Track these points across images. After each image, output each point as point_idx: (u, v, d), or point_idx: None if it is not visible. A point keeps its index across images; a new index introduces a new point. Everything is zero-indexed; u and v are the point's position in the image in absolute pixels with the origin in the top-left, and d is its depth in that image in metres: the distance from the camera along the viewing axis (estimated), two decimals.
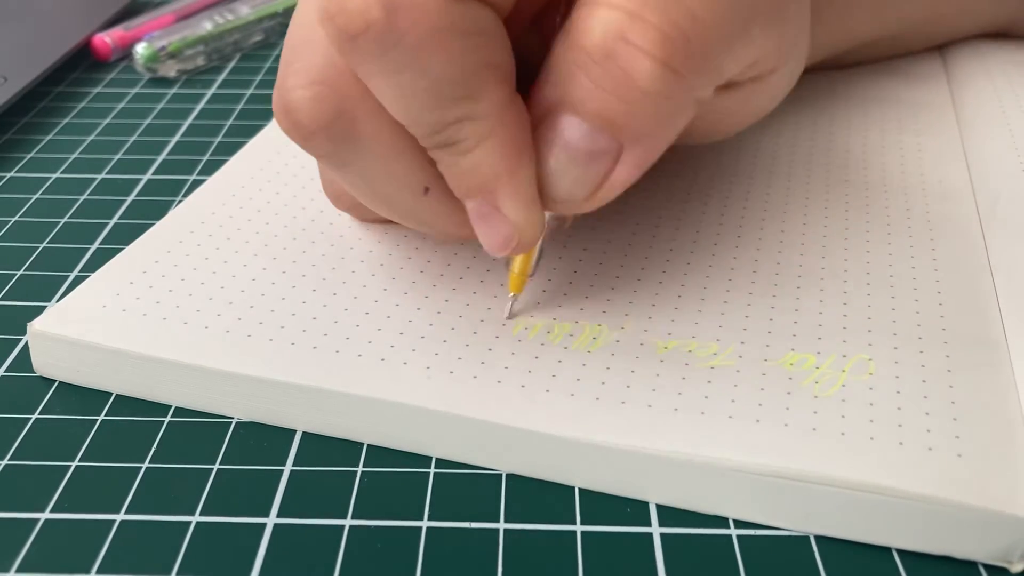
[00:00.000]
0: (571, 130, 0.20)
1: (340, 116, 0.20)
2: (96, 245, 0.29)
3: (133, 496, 0.21)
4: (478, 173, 0.20)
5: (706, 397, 0.21)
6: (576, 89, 0.20)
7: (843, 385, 0.21)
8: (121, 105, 0.39)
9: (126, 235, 0.29)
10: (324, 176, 0.26)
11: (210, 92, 0.40)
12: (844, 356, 0.22)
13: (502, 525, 0.20)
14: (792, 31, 0.23)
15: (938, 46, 0.40)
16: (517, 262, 0.23)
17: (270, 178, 0.30)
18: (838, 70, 0.37)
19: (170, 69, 0.41)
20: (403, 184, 0.22)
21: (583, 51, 0.19)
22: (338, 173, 0.22)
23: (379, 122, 0.20)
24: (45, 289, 0.27)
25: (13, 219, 0.31)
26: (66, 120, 0.38)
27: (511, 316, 0.24)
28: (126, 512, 0.20)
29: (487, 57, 0.19)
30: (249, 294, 0.25)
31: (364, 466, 0.22)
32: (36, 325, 0.23)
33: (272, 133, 0.33)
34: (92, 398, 0.23)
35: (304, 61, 0.20)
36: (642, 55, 0.19)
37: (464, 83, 0.19)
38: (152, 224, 0.28)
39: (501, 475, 0.21)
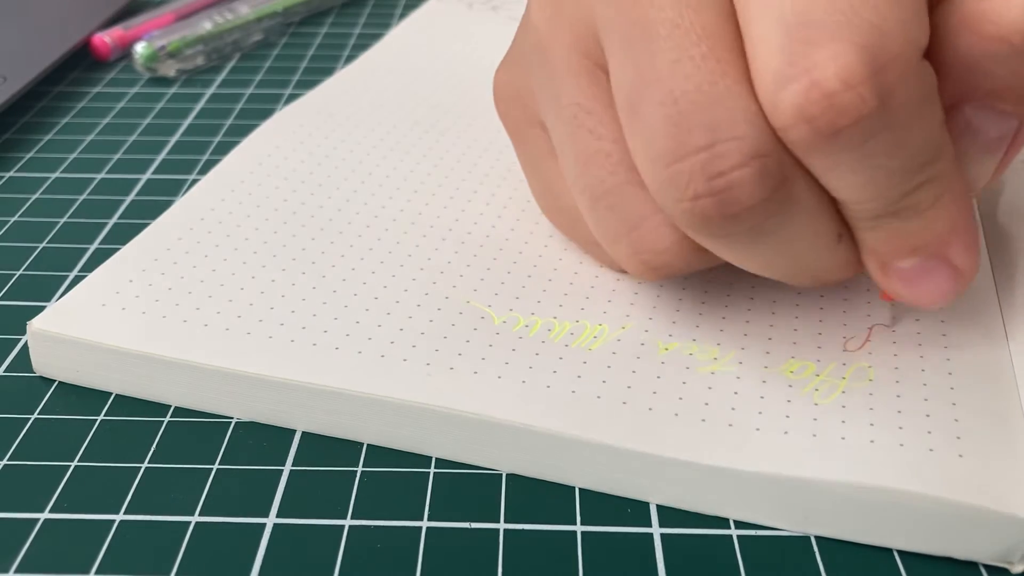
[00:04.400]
0: (979, 119, 0.19)
1: (783, 185, 0.19)
2: (96, 245, 0.29)
3: (133, 496, 0.21)
4: (931, 230, 0.19)
5: (706, 404, 0.21)
6: (988, 80, 0.19)
7: (843, 392, 0.21)
8: (121, 105, 0.39)
9: (126, 235, 0.29)
10: (644, 248, 0.22)
11: (210, 92, 0.40)
12: (844, 364, 0.22)
13: (502, 525, 0.20)
14: None
15: None
16: None
17: (268, 173, 0.30)
18: None
19: (170, 69, 0.41)
20: (822, 239, 0.20)
21: (1004, 42, 0.18)
22: (743, 246, 0.20)
23: (812, 184, 0.19)
24: (45, 289, 0.27)
25: (13, 219, 0.31)
26: (66, 120, 0.38)
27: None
28: (126, 512, 0.20)
29: (941, 113, 0.19)
30: (248, 292, 0.25)
31: (364, 466, 0.22)
32: (35, 324, 0.23)
33: (268, 129, 0.33)
34: (92, 398, 0.23)
35: (734, 139, 0.18)
36: None
37: (933, 148, 0.18)
38: (152, 223, 0.28)
39: (501, 475, 0.21)
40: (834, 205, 0.20)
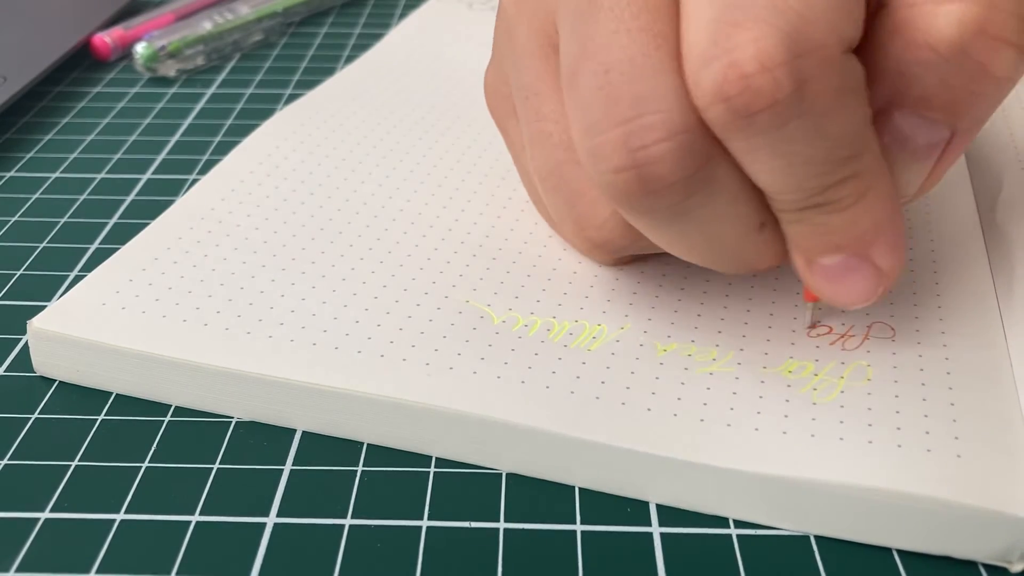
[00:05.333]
0: (908, 126, 0.20)
1: (704, 164, 0.19)
2: (96, 245, 0.29)
3: (133, 496, 0.21)
4: (854, 228, 0.20)
5: (705, 404, 0.21)
6: (918, 87, 0.19)
7: (841, 391, 0.21)
8: (121, 105, 0.39)
9: (126, 235, 0.29)
10: (588, 225, 0.23)
11: (210, 92, 0.40)
12: (843, 363, 0.22)
13: (502, 525, 0.20)
14: None
15: None
16: None
17: (268, 172, 0.30)
18: None
19: (170, 69, 0.41)
20: (742, 225, 0.20)
21: (931, 50, 0.18)
22: (667, 225, 0.20)
23: (734, 166, 0.19)
24: (45, 289, 0.27)
25: (13, 219, 0.31)
26: (66, 120, 0.38)
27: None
28: (126, 512, 0.20)
29: (866, 110, 0.19)
30: (248, 291, 0.25)
31: (364, 465, 0.22)
32: (35, 323, 0.23)
33: (268, 130, 0.33)
34: (92, 398, 0.23)
35: (658, 113, 0.18)
36: (1002, 45, 0.18)
37: (854, 143, 0.19)
38: (151, 223, 0.28)
39: (501, 475, 0.21)
40: (758, 193, 0.20)
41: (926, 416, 0.21)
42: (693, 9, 0.18)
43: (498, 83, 0.26)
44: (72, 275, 0.28)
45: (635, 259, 0.25)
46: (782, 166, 0.19)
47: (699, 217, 0.20)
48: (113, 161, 0.35)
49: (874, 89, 0.19)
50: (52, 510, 0.20)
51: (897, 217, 0.20)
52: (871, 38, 0.19)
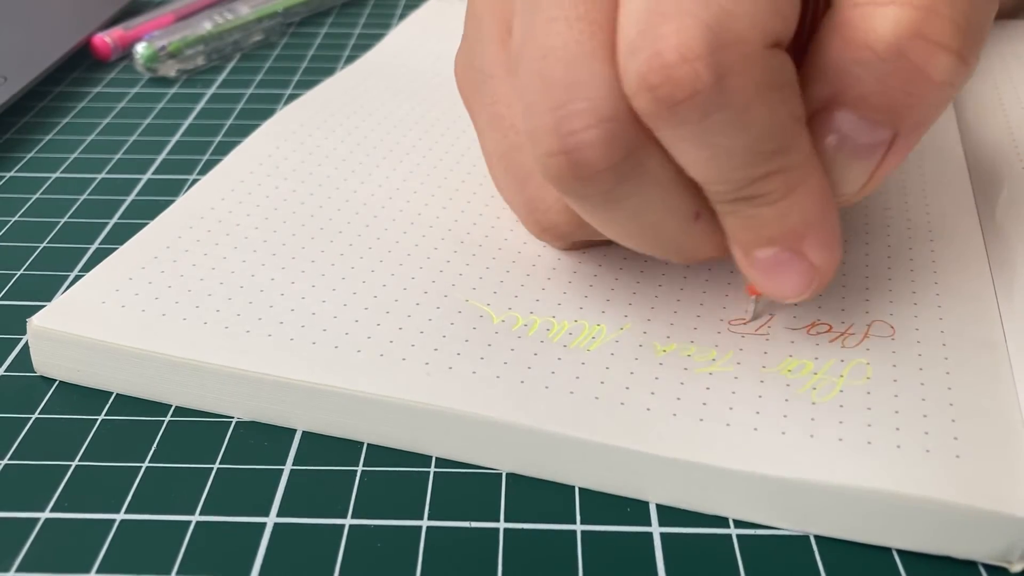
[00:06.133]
0: (848, 125, 0.20)
1: (632, 153, 0.19)
2: (96, 245, 0.29)
3: (133, 496, 0.21)
4: (784, 222, 0.20)
5: (704, 404, 0.21)
6: (857, 86, 0.19)
7: (841, 391, 0.21)
8: (121, 105, 0.39)
9: (126, 235, 0.29)
10: (536, 208, 0.24)
11: (210, 92, 0.40)
12: (842, 361, 0.22)
13: (502, 525, 0.20)
14: None
15: None
16: None
17: (268, 172, 0.30)
18: None
19: (170, 69, 0.41)
20: (676, 214, 0.21)
21: (869, 50, 0.19)
22: (603, 211, 0.21)
23: (664, 156, 0.20)
24: (45, 289, 0.27)
25: (13, 219, 0.31)
26: (66, 120, 0.38)
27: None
28: (126, 512, 0.20)
29: (794, 107, 0.19)
30: (247, 290, 0.25)
31: (364, 465, 0.22)
32: (35, 321, 0.23)
33: (269, 130, 0.33)
34: (92, 398, 0.23)
35: (587, 100, 0.19)
36: (939, 49, 0.19)
37: (778, 137, 0.19)
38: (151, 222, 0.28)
39: (501, 475, 0.21)
40: (693, 183, 0.20)
41: (925, 416, 0.21)
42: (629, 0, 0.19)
43: (466, 66, 0.26)
44: (72, 275, 0.28)
45: (591, 245, 0.26)
46: (708, 157, 0.19)
47: (633, 204, 0.20)
48: (113, 161, 0.35)
49: (817, 87, 0.20)
50: (52, 510, 0.20)
51: (830, 214, 0.20)
52: (818, 37, 0.20)
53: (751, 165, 0.19)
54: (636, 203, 0.20)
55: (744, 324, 0.23)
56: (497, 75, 0.24)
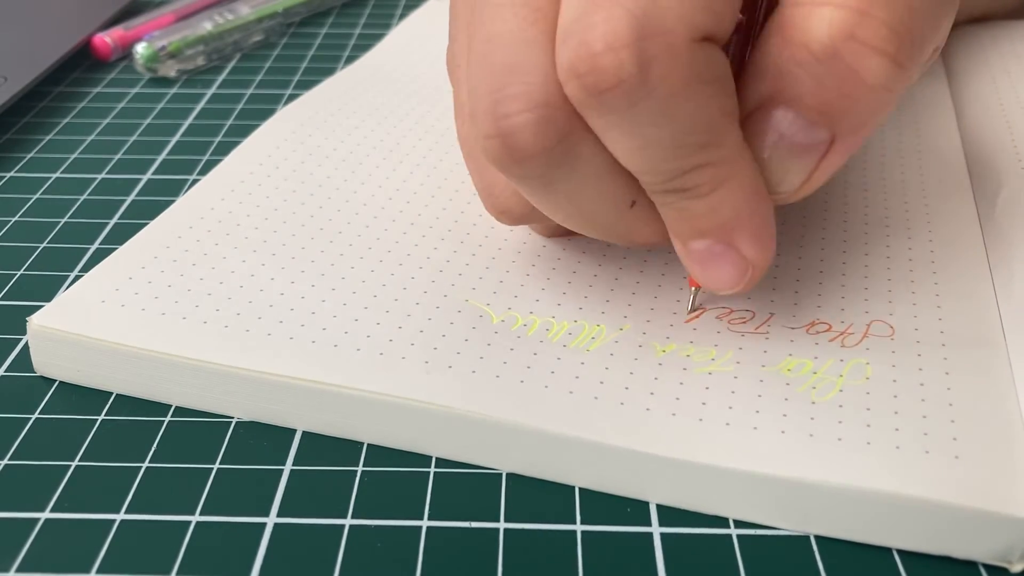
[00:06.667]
0: (786, 123, 0.20)
1: (563, 139, 0.20)
2: (96, 245, 0.30)
3: (133, 496, 0.21)
4: (715, 215, 0.20)
5: (704, 404, 0.21)
6: (794, 85, 0.20)
7: (840, 390, 0.21)
8: (121, 105, 0.39)
9: (126, 235, 0.29)
10: (491, 191, 0.24)
11: (210, 92, 0.40)
12: (842, 360, 0.22)
13: (502, 525, 0.20)
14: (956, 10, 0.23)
15: None
16: None
17: (268, 173, 0.30)
18: None
19: (170, 69, 0.41)
20: (612, 201, 0.21)
21: (804, 49, 0.19)
22: (541, 193, 0.21)
23: (598, 143, 0.20)
24: (45, 289, 0.27)
25: (13, 219, 0.31)
26: (66, 120, 0.38)
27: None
28: (126, 512, 0.20)
29: (725, 103, 0.19)
30: (247, 289, 0.25)
31: (364, 466, 0.22)
32: (35, 320, 0.23)
33: (269, 130, 0.33)
34: (92, 398, 0.23)
35: (523, 85, 0.19)
36: (871, 52, 0.19)
37: (707, 131, 0.19)
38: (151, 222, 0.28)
39: (501, 475, 0.21)
40: (628, 171, 0.20)
41: (924, 417, 0.21)
42: None
43: (447, 59, 0.27)
44: (72, 275, 0.28)
45: (566, 233, 0.26)
46: (637, 147, 0.19)
47: (568, 189, 0.21)
48: (113, 161, 0.35)
49: (758, 84, 0.20)
50: (52, 510, 0.20)
51: (760, 209, 0.21)
52: (762, 35, 0.20)
53: (679, 157, 0.19)
54: (572, 187, 0.21)
55: (690, 315, 0.24)
56: (462, 64, 0.24)
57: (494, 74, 0.20)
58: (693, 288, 0.24)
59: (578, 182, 0.21)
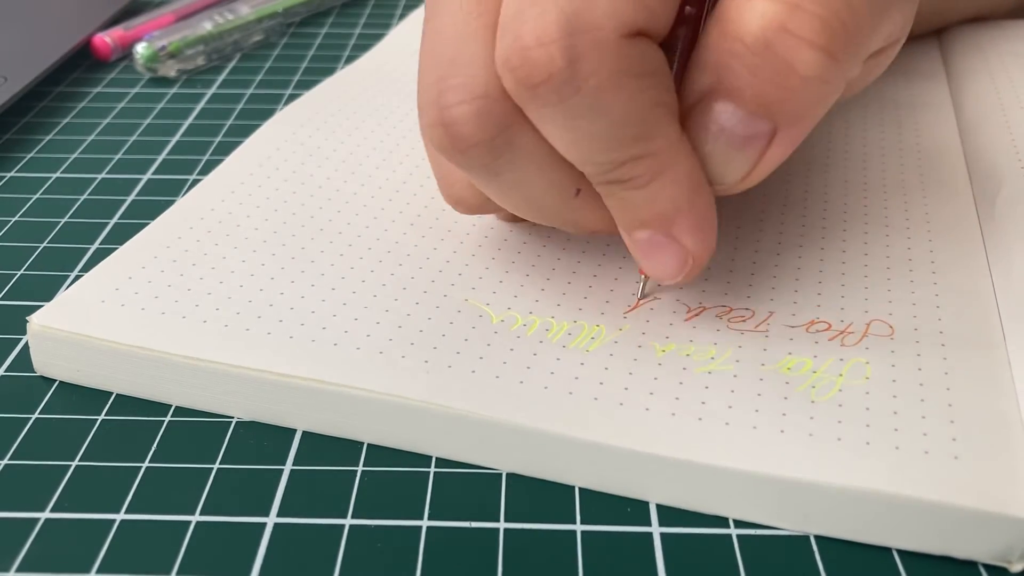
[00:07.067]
0: (726, 115, 0.20)
1: (503, 130, 0.20)
2: (96, 245, 0.30)
3: (133, 496, 0.21)
4: (653, 206, 0.21)
5: (703, 403, 0.21)
6: (732, 77, 0.20)
7: (840, 390, 0.21)
8: (121, 105, 0.39)
9: (126, 235, 0.29)
10: (447, 181, 0.25)
11: (210, 92, 0.40)
12: (841, 360, 0.22)
13: (502, 525, 0.20)
14: (915, 4, 0.23)
15: (938, 41, 0.40)
16: None
17: (269, 174, 0.30)
18: None
19: (170, 69, 0.41)
20: (556, 189, 0.22)
21: (739, 41, 0.19)
22: (486, 182, 0.22)
23: (538, 134, 0.21)
24: (45, 289, 0.27)
25: (13, 219, 0.31)
26: (66, 120, 0.38)
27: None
28: (126, 512, 0.20)
29: (659, 96, 0.20)
30: (247, 289, 0.25)
31: (364, 465, 0.22)
32: (35, 320, 0.23)
33: (269, 130, 0.33)
34: (92, 398, 0.23)
35: (463, 76, 0.20)
36: (804, 44, 0.19)
37: (640, 123, 0.20)
38: (151, 222, 0.28)
39: (501, 475, 0.21)
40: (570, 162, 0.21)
41: (924, 417, 0.21)
42: None
43: None
44: (72, 275, 0.28)
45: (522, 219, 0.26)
46: (572, 139, 0.20)
47: (514, 178, 0.21)
48: (113, 161, 0.35)
49: (699, 77, 0.20)
50: (52, 510, 0.20)
51: (699, 200, 0.21)
52: (704, 28, 0.21)
53: (613, 149, 0.20)
54: (516, 176, 0.21)
55: (638, 302, 0.24)
56: None
57: (438, 65, 0.21)
58: (642, 276, 0.24)
59: (522, 171, 0.21)
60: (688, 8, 0.21)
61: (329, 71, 0.42)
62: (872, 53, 0.23)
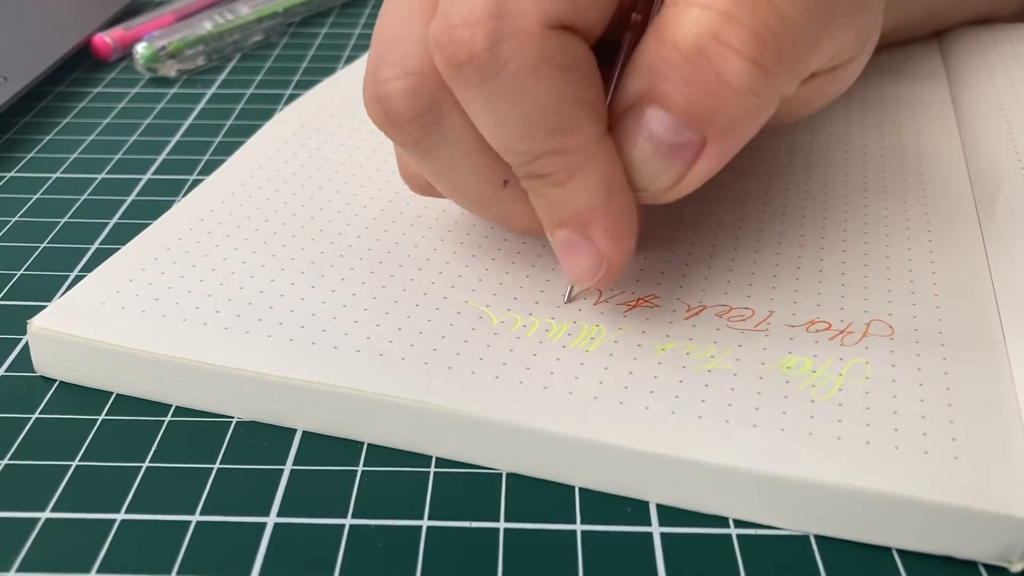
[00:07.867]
0: (656, 122, 0.20)
1: (432, 107, 0.21)
2: (96, 245, 0.30)
3: (133, 496, 0.21)
4: (570, 205, 0.21)
5: (703, 401, 0.21)
6: (664, 84, 0.20)
7: (840, 389, 0.21)
8: (121, 105, 0.39)
9: (126, 235, 0.29)
10: (402, 160, 0.26)
11: (210, 92, 0.40)
12: (841, 360, 0.22)
13: (502, 525, 0.20)
14: (869, 22, 0.23)
15: (938, 41, 0.40)
16: None
17: (269, 176, 0.30)
18: None
19: (170, 69, 0.41)
20: (484, 176, 0.22)
21: (674, 48, 0.20)
22: (420, 161, 0.23)
23: (466, 116, 0.21)
24: (45, 289, 0.27)
25: (13, 219, 0.31)
26: (66, 120, 0.38)
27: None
28: (126, 512, 0.20)
29: (581, 92, 0.20)
30: (247, 291, 0.25)
31: (364, 465, 0.22)
32: (35, 322, 0.23)
33: (269, 132, 0.33)
34: (92, 398, 0.23)
35: (399, 54, 0.21)
36: (734, 54, 0.19)
37: (558, 116, 0.20)
38: (152, 223, 0.28)
39: (501, 475, 0.21)
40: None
41: (923, 417, 0.21)
42: None
43: None
44: (72, 275, 0.28)
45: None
46: (494, 123, 0.20)
47: (446, 157, 0.22)
48: (114, 161, 0.35)
49: (633, 81, 0.21)
50: (53, 510, 0.20)
51: (616, 203, 0.21)
52: (645, 34, 0.21)
53: (531, 139, 0.20)
54: (448, 156, 0.22)
55: (568, 301, 0.24)
56: None
57: (380, 43, 0.22)
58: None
59: (451, 151, 0.22)
60: (635, 15, 0.21)
61: (329, 71, 0.42)
62: (821, 72, 0.23)
